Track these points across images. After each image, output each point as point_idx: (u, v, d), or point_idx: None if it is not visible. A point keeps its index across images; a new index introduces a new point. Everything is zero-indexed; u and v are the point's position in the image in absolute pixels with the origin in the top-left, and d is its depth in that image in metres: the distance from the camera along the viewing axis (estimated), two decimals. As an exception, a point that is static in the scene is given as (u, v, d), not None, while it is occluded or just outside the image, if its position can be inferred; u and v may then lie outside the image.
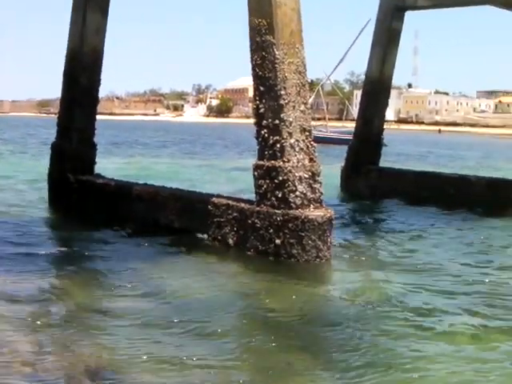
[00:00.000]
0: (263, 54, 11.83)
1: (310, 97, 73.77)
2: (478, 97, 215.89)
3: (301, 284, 10.16)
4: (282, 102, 11.55)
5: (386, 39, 22.04)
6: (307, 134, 11.75)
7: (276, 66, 11.64)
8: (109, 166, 22.66)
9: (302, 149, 11.60)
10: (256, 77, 12.06)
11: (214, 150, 49.01)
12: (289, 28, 11.89)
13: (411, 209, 18.69)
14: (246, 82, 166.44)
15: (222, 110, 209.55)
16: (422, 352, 7.36)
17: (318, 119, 76.44)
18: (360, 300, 9.29)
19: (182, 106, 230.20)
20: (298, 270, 10.89)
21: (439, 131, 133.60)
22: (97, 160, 16.52)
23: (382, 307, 8.97)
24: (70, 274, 10.40)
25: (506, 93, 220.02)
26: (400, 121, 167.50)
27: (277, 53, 11.64)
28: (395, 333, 7.95)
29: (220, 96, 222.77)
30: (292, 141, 11.50)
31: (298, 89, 11.79)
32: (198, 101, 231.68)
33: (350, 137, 24.83)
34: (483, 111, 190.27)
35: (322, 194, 11.63)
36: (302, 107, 11.79)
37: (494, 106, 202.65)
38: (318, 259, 11.19)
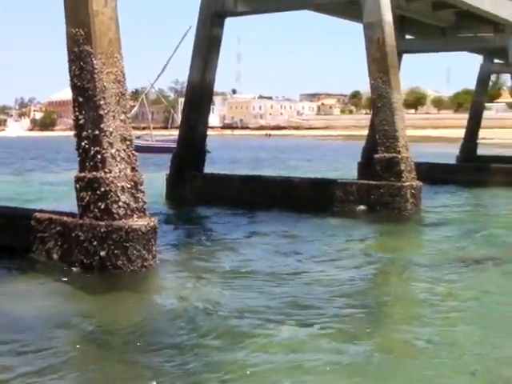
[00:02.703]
0: (81, 64, 11.61)
1: (135, 106, 73.38)
2: (301, 100, 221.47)
3: (127, 295, 10.06)
4: (101, 112, 11.39)
5: (207, 46, 22.21)
6: (128, 143, 11.64)
7: (95, 75, 11.46)
8: None
9: (123, 159, 11.48)
10: (75, 87, 11.82)
11: (36, 164, 47.50)
12: (107, 37, 11.73)
13: (237, 213, 18.92)
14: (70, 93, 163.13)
15: (47, 123, 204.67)
16: (245, 360, 7.45)
17: (144, 128, 76.14)
18: (187, 307, 9.30)
19: (5, 120, 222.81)
20: (124, 282, 10.75)
21: (268, 135, 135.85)
22: None
23: (208, 313, 9.02)
24: None
25: (328, 95, 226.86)
26: (225, 127, 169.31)
27: (95, 62, 11.47)
28: (220, 338, 8.02)
29: (44, 109, 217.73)
30: (113, 151, 11.36)
31: (118, 98, 11.65)
32: (22, 114, 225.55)
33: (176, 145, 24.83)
34: (300, 113, 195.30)
35: (145, 203, 11.56)
36: (123, 116, 11.67)
37: (316, 109, 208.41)
38: (143, 269, 11.10)
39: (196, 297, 9.85)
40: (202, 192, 21.15)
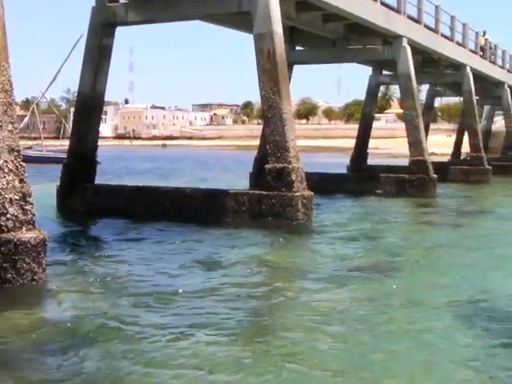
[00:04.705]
0: (-34, 73, 11.35)
1: (26, 116, 71.84)
2: (194, 110, 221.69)
3: (16, 309, 9.81)
4: (-13, 122, 11.15)
5: (98, 55, 22.02)
6: (16, 154, 11.38)
7: (-18, 85, 11.22)
8: None
9: (11, 170, 11.22)
10: (-40, 97, 11.53)
11: None
12: (-7, 46, 11.49)
13: (127, 225, 18.77)
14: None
15: None
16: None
17: (35, 138, 74.66)
18: (77, 320, 9.20)
19: None
20: (13, 295, 10.50)
21: (164, 146, 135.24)
22: None
23: (99, 325, 8.96)
24: None
25: (220, 105, 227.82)
26: (118, 137, 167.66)
27: (-19, 71, 11.22)
28: (108, 351, 7.99)
29: None
30: (0, 162, 11.11)
31: (5, 108, 11.39)
32: None
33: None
34: (193, 123, 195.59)
35: (34, 215, 11.32)
36: (10, 127, 11.41)
37: (209, 119, 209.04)
38: (33, 282, 10.89)
39: (86, 309, 9.74)
40: (94, 203, 20.90)
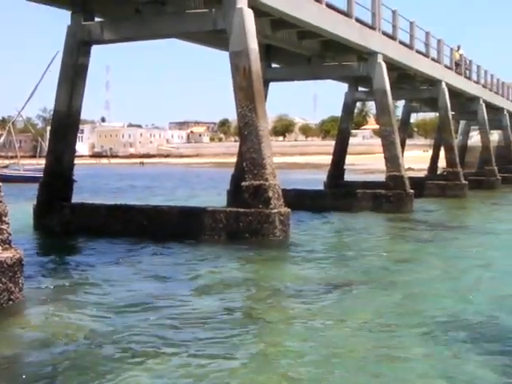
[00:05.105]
0: None
1: (2, 134, 71.52)
2: (171, 128, 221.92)
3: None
4: (-38, 141, 11.11)
5: (73, 74, 21.99)
6: (-8, 173, 11.37)
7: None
8: None
9: (-13, 189, 11.19)
10: None
11: None
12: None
13: (104, 243, 18.67)
14: None
15: None
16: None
17: (11, 157, 74.29)
18: (54, 340, 9.15)
19: None
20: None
21: (141, 164, 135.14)
22: None
23: (76, 345, 8.93)
24: None
25: (197, 123, 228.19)
26: (94, 155, 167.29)
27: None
28: (85, 372, 7.95)
29: None
30: (-24, 182, 11.06)
31: (-20, 128, 11.39)
32: None
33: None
34: (170, 141, 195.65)
35: (10, 234, 11.24)
36: (-15, 146, 11.40)
37: (186, 137, 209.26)
38: (10, 302, 10.82)
39: (64, 330, 9.67)
40: (71, 222, 20.83)
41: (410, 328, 9.86)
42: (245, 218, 18.50)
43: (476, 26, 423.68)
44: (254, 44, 19.52)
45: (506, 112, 58.67)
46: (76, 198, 22.44)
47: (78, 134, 24.99)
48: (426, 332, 9.66)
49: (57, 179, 21.54)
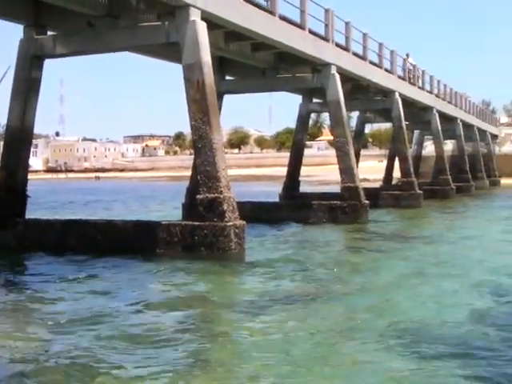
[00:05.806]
0: None
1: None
2: (125, 142, 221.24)
3: None
4: None
5: (26, 88, 21.81)
6: None
7: None
8: None
9: None
10: None
11: None
12: None
13: (58, 259, 18.44)
14: None
15: None
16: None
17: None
18: (11, 357, 9.08)
19: None
20: None
21: (97, 178, 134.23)
22: None
23: (34, 362, 8.85)
24: None
25: (152, 136, 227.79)
26: (49, 170, 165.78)
27: None
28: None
29: None
30: None
31: None
32: None
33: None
34: (125, 155, 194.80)
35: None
36: None
37: (141, 150, 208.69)
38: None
39: (19, 347, 9.57)
40: (25, 238, 20.59)
41: (365, 336, 9.94)
42: (200, 231, 18.41)
43: (429, 39, 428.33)
44: (207, 57, 19.52)
45: (459, 121, 59.43)
46: (30, 214, 22.19)
47: (32, 149, 24.76)
48: (379, 340, 9.73)
49: (10, 194, 21.30)
